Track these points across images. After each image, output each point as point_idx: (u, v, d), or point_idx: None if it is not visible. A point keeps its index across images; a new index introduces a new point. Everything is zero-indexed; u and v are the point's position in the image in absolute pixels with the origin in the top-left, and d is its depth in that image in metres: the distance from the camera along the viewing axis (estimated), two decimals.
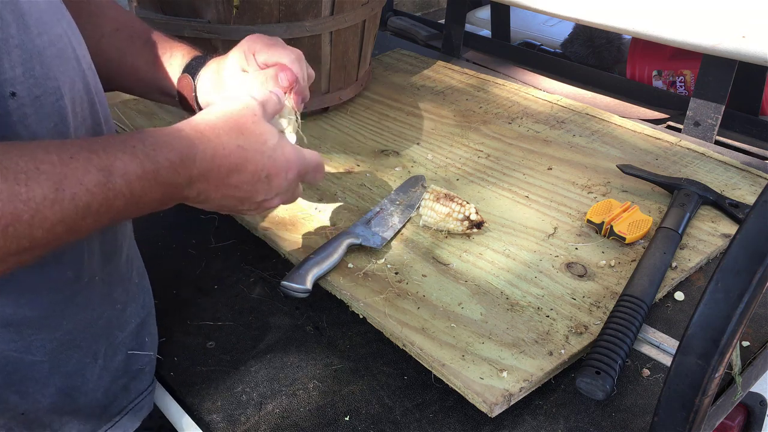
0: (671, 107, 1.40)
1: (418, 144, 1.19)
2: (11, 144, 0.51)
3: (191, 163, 0.61)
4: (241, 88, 0.79)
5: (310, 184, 0.73)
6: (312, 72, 0.83)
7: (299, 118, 0.79)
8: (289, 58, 0.79)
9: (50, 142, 0.54)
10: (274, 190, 0.69)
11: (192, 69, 0.83)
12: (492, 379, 0.71)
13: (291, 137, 0.77)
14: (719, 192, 1.01)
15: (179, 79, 0.83)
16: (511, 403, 0.70)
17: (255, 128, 0.66)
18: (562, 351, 0.75)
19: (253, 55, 0.80)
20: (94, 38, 0.81)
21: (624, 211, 0.95)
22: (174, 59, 0.84)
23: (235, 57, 0.81)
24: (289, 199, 0.74)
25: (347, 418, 0.73)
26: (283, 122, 0.77)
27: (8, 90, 0.54)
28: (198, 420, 0.75)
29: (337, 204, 1.02)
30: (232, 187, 0.65)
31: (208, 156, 0.62)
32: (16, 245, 0.49)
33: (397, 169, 1.11)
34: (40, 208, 0.50)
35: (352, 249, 0.90)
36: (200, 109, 0.83)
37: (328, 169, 1.12)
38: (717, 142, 1.23)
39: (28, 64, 0.56)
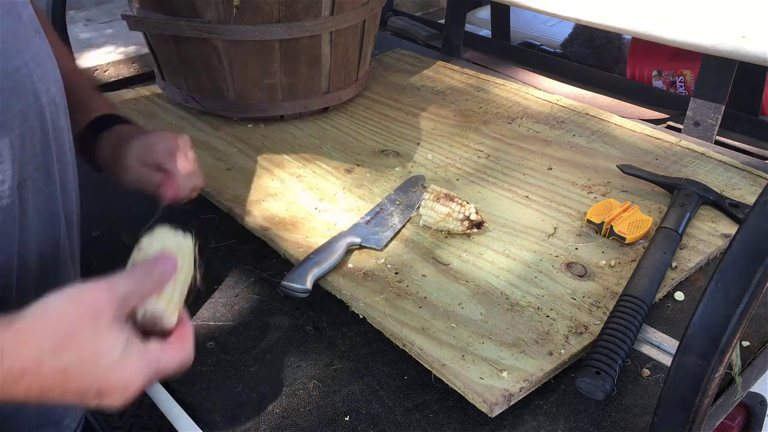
0: (671, 107, 1.40)
1: (418, 144, 1.19)
2: None
3: None
4: (138, 182, 0.79)
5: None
6: (198, 185, 0.82)
7: (186, 284, 0.62)
8: (180, 172, 0.78)
9: None
10: (106, 402, 0.55)
11: (94, 128, 0.82)
12: (492, 379, 0.71)
13: (171, 318, 0.60)
14: (719, 192, 1.01)
15: (80, 132, 0.81)
16: (511, 403, 0.70)
17: (90, 342, 0.52)
18: (562, 351, 0.75)
19: (154, 153, 0.79)
20: None
21: (624, 211, 0.95)
22: (88, 112, 0.83)
23: (136, 147, 0.79)
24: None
25: (347, 418, 0.73)
26: (158, 308, 0.58)
27: None
28: (198, 420, 0.75)
29: (337, 204, 1.02)
30: (54, 396, 0.53)
31: (16, 374, 0.50)
32: None
33: (397, 169, 1.11)
34: None
35: (352, 249, 0.90)
36: (99, 165, 0.82)
37: (328, 168, 1.12)
38: (717, 142, 1.23)
39: None
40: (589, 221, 0.96)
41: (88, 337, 0.52)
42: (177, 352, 0.58)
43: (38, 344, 0.50)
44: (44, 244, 0.65)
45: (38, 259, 0.64)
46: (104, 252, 0.98)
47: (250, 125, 1.27)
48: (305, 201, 1.03)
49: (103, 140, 0.81)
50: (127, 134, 0.81)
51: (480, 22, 2.28)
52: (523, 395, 0.71)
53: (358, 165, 1.13)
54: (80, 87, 0.84)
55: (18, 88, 0.58)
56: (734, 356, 0.71)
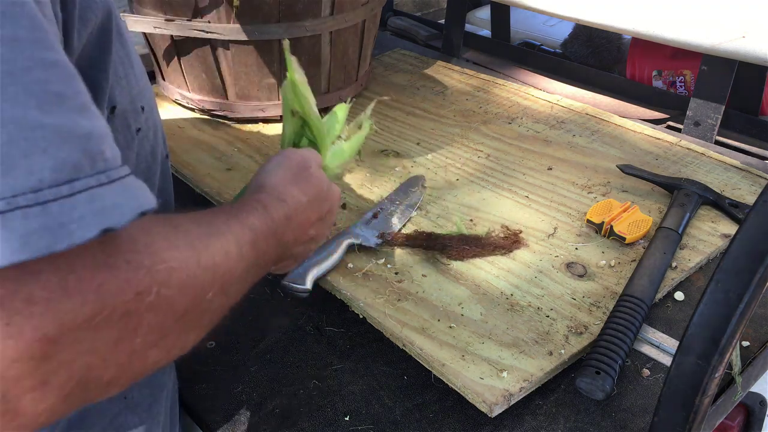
0: (671, 107, 1.40)
1: (418, 144, 1.19)
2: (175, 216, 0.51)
3: (288, 223, 0.63)
4: None
5: None
6: None
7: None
8: None
9: (192, 214, 0.54)
10: (328, 225, 0.73)
11: None
12: (492, 379, 0.71)
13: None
14: (719, 192, 1.01)
15: None
16: (511, 403, 0.70)
17: (315, 173, 0.70)
18: (562, 351, 0.75)
19: None
20: None
21: (624, 211, 0.95)
22: None
23: None
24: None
25: (347, 418, 0.73)
26: None
27: (139, 104, 0.56)
28: (198, 420, 0.75)
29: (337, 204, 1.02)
30: (307, 236, 0.69)
31: (291, 213, 0.64)
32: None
33: (397, 169, 1.11)
34: (231, 263, 0.50)
35: (352, 249, 0.90)
36: None
37: None
38: (717, 142, 1.23)
39: (143, 76, 0.57)
40: (589, 221, 0.96)
41: (312, 172, 0.70)
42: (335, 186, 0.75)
43: (290, 193, 0.65)
44: None
45: None
46: None
47: (250, 125, 1.27)
48: None
49: None
50: None
51: (480, 22, 2.27)
52: (523, 395, 0.71)
53: (358, 165, 1.13)
54: None
55: (143, 68, 0.63)
56: (734, 356, 0.71)
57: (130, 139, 0.55)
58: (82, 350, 0.37)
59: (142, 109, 0.57)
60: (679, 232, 0.91)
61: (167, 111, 1.31)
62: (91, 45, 0.48)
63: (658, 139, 1.19)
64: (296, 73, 0.75)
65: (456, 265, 0.88)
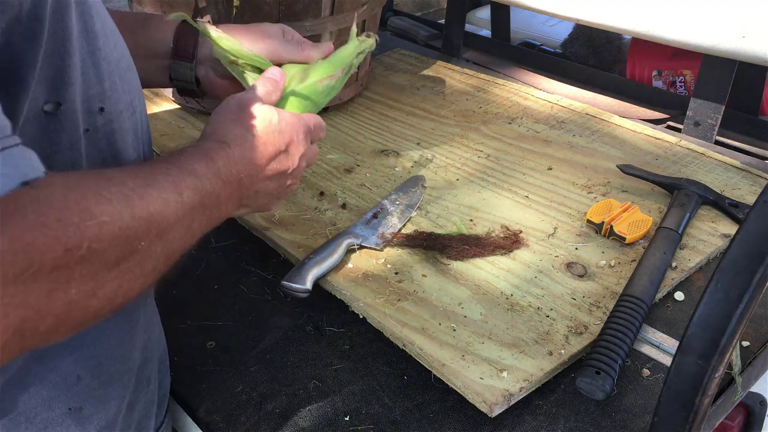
0: (671, 107, 1.40)
1: (418, 144, 1.19)
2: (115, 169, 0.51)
3: (235, 162, 0.63)
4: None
5: (319, 140, 0.80)
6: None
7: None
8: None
9: (133, 166, 0.55)
10: (296, 155, 0.71)
11: (188, 24, 0.81)
12: (492, 379, 0.71)
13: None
14: (719, 192, 1.01)
15: (177, 30, 0.82)
16: (511, 403, 0.70)
17: (255, 112, 0.68)
18: (562, 351, 0.75)
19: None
20: None
21: (624, 211, 0.95)
22: (162, 22, 0.83)
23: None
24: (311, 158, 0.77)
25: (347, 418, 0.73)
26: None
27: (97, 105, 0.54)
28: (198, 420, 0.75)
29: (337, 204, 1.02)
30: (268, 170, 0.68)
31: (235, 151, 0.63)
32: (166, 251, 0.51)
33: (397, 169, 1.11)
34: (170, 210, 0.51)
35: (352, 249, 0.90)
36: (194, 57, 0.83)
37: (328, 168, 1.12)
38: (717, 142, 1.23)
39: (113, 77, 0.55)
40: (589, 221, 0.96)
41: (252, 108, 0.68)
42: (308, 114, 0.77)
43: (231, 133, 0.65)
44: None
45: None
46: None
47: None
48: (305, 200, 1.03)
49: (209, 26, 0.81)
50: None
51: (480, 22, 2.27)
52: (523, 395, 0.71)
53: (358, 165, 1.13)
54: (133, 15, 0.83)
55: (131, 68, 0.62)
56: (734, 356, 0.71)
57: (76, 139, 0.53)
58: (13, 304, 0.39)
59: (101, 110, 0.55)
60: (679, 232, 0.91)
61: (168, 111, 1.31)
62: (15, 34, 0.45)
63: (658, 139, 1.19)
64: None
65: (456, 265, 0.88)
